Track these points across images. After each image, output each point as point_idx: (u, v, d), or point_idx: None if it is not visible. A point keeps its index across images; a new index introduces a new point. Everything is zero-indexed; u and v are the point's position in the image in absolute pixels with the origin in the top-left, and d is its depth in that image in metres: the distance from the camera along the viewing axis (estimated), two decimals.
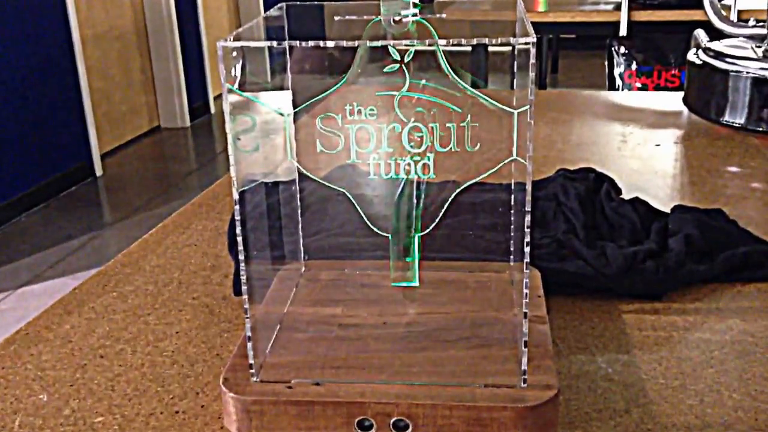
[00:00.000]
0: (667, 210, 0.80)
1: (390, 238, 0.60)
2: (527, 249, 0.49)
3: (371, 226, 0.59)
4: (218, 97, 5.07)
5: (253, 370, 0.51)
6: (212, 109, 5.10)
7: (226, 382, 0.51)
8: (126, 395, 0.55)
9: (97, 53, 4.14)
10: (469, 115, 0.55)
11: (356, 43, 0.52)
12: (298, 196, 0.66)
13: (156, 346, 0.61)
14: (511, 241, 0.64)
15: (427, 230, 0.59)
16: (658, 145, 1.11)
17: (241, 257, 0.51)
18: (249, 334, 0.51)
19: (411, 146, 0.56)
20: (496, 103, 0.54)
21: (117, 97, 4.37)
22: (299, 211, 0.67)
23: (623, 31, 2.40)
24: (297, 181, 0.66)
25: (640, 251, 0.69)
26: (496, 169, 0.56)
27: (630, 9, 2.44)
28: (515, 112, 0.54)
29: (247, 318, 0.50)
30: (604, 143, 1.14)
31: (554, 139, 1.15)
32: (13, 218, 3.43)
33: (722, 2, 1.92)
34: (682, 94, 1.27)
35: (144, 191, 3.75)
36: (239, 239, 0.51)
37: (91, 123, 3.94)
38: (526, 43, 0.47)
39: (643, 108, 1.33)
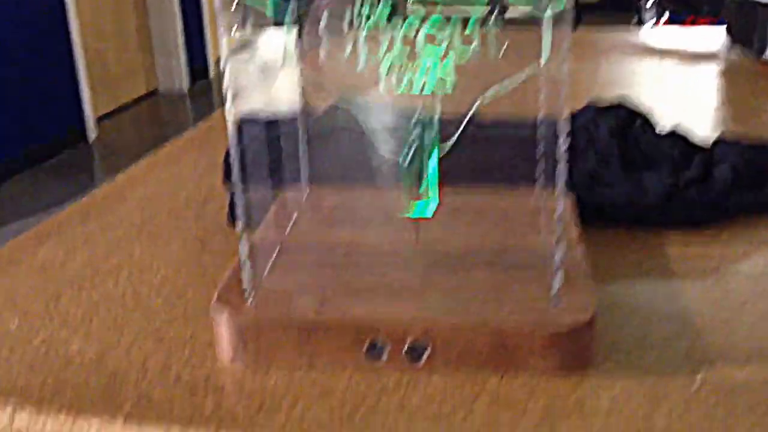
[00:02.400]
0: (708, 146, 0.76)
1: (400, 164, 0.56)
2: (565, 154, 0.45)
3: (381, 152, 0.55)
4: (219, 62, 5.03)
5: (249, 292, 0.47)
6: (212, 73, 5.05)
7: (218, 302, 0.47)
8: (105, 325, 0.52)
9: (90, 10, 4.09)
10: (492, 17, 0.51)
11: None
12: (303, 127, 0.62)
13: (140, 277, 0.58)
14: (538, 167, 0.60)
15: (444, 151, 0.55)
16: (697, 81, 1.06)
17: (235, 168, 0.47)
18: (243, 252, 0.47)
19: (427, 53, 0.52)
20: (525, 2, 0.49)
21: (112, 58, 4.33)
22: (303, 140, 0.63)
23: None
24: (301, 111, 0.62)
25: (681, 179, 0.65)
26: (524, 76, 0.52)
27: None
28: (548, 13, 0.50)
29: (241, 234, 0.47)
30: (637, 81, 1.09)
31: (581, 78, 1.10)
32: (1, 184, 3.40)
33: None
34: (722, 28, 1.22)
35: (139, 158, 3.71)
36: (232, 151, 0.47)
37: (85, 85, 3.90)
38: None
39: (679, 45, 1.28)
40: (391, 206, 0.58)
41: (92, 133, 3.94)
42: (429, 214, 0.56)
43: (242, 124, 0.52)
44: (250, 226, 0.49)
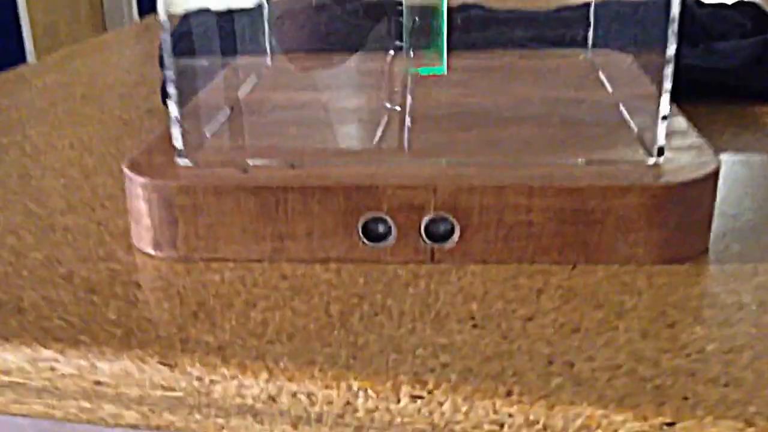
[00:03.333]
0: None
1: (404, 8, 0.40)
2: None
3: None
4: None
5: (181, 149, 0.31)
6: None
7: (135, 164, 0.31)
8: None
9: None
10: None
11: None
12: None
13: (34, 159, 0.41)
14: (591, 25, 0.45)
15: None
16: None
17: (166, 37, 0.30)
18: (171, 85, 0.31)
19: None
20: None
21: (63, 31, 4.10)
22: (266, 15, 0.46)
23: None
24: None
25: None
26: None
27: None
28: None
29: (170, 74, 0.30)
30: None
31: None
32: None
33: None
34: None
35: None
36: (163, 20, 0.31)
37: (33, 59, 3.67)
38: None
39: None
40: (385, 67, 0.43)
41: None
42: (442, 69, 0.40)
43: (189, 17, 0.37)
44: (188, 88, 0.33)
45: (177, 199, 0.29)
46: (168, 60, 0.30)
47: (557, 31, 0.55)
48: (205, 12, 0.47)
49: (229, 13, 0.48)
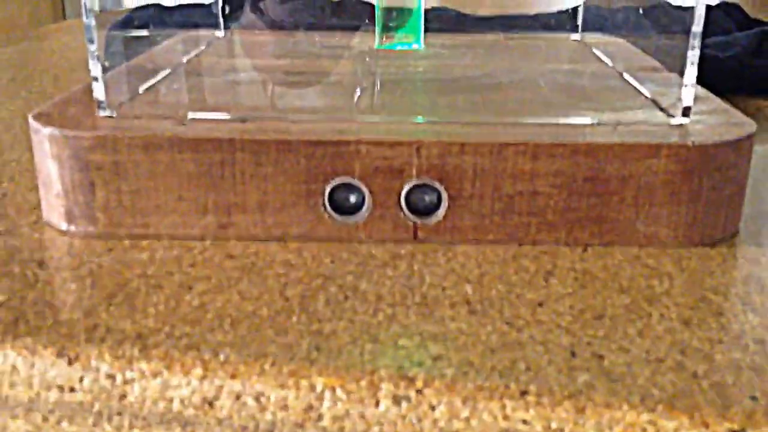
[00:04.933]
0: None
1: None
2: None
3: None
4: None
5: (101, 100, 0.25)
6: None
7: (41, 116, 0.25)
8: None
9: None
10: None
11: None
12: None
13: None
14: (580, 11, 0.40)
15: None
16: None
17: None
18: (92, 42, 0.25)
19: None
20: None
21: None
22: None
23: None
24: None
25: (757, 37, 0.46)
26: None
27: None
28: None
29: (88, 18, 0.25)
30: None
31: None
32: None
33: None
34: None
35: None
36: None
37: None
38: None
39: None
40: (354, 44, 0.38)
41: None
42: (419, 44, 0.35)
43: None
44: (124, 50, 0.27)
45: (94, 156, 0.23)
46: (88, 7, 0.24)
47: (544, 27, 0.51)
48: (155, 6, 0.41)
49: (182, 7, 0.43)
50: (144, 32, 0.33)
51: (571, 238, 0.24)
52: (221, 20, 0.40)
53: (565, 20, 0.41)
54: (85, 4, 0.24)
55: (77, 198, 0.24)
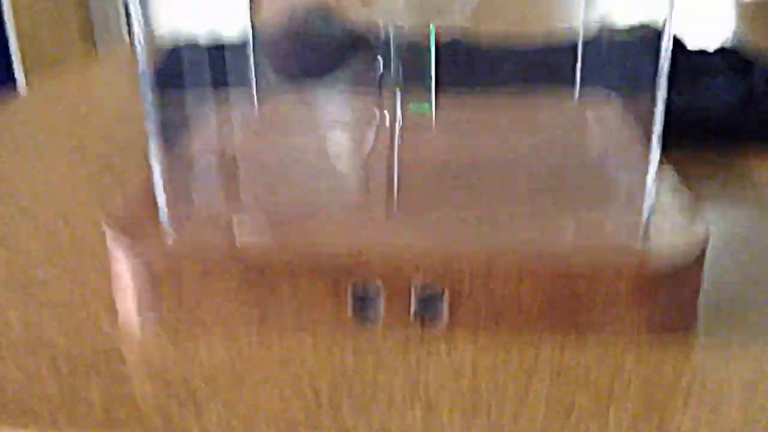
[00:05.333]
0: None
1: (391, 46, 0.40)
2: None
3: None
4: None
5: (166, 212, 0.30)
6: None
7: (117, 225, 0.30)
8: None
9: None
10: None
11: None
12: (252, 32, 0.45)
13: (7, 200, 0.40)
14: (578, 71, 0.45)
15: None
16: None
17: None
18: (156, 159, 0.30)
19: None
20: None
21: (47, 37, 4.04)
22: (250, 47, 0.46)
23: None
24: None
25: (757, 81, 0.50)
26: None
27: None
28: None
29: (153, 122, 0.30)
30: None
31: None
32: None
33: None
34: None
35: None
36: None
37: (18, 66, 3.62)
38: None
39: None
40: (372, 109, 0.42)
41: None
42: (429, 109, 0.40)
43: (176, 49, 0.37)
44: (173, 134, 0.32)
45: (161, 268, 0.29)
46: (150, 112, 0.30)
47: (546, 68, 0.55)
48: (192, 46, 0.46)
49: (216, 48, 0.48)
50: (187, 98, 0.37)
51: (552, 331, 0.29)
52: (254, 82, 0.45)
53: (568, 58, 0.45)
54: (150, 132, 0.30)
55: (146, 298, 0.29)
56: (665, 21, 0.31)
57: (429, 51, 0.41)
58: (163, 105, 0.30)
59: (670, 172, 0.35)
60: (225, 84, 0.44)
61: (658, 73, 0.31)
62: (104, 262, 0.34)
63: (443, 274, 0.28)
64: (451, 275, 0.28)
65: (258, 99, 0.44)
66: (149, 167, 0.30)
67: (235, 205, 0.33)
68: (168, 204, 0.30)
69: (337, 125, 0.41)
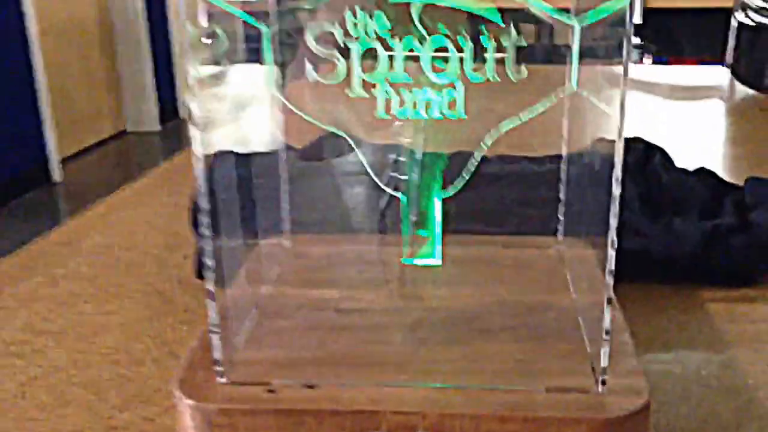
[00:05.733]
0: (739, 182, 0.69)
1: (401, 200, 0.47)
2: (615, 206, 0.37)
3: (379, 183, 0.47)
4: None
5: (219, 368, 0.38)
6: (182, 113, 4.97)
7: (182, 384, 0.38)
8: (41, 405, 0.42)
9: (55, 47, 4.01)
10: (513, 30, 0.43)
11: None
12: (283, 166, 0.54)
13: (89, 342, 0.48)
14: (560, 215, 0.52)
15: (452, 190, 0.47)
16: (701, 119, 1.00)
17: (204, 214, 0.38)
18: (213, 317, 0.38)
19: (434, 75, 0.44)
20: (551, 10, 0.42)
21: (78, 97, 4.23)
22: (285, 180, 0.54)
23: (637, 18, 2.30)
24: (282, 150, 0.54)
25: (720, 225, 0.57)
26: (548, 101, 0.44)
27: None
28: (577, 25, 0.43)
29: (210, 291, 0.38)
30: (639, 118, 1.02)
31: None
32: None
33: None
34: (720, 67, 1.17)
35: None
36: (200, 188, 0.39)
37: (49, 125, 3.79)
38: None
39: (678, 82, 1.22)
40: (389, 257, 0.50)
41: (57, 174, 3.82)
42: (436, 258, 0.47)
43: (213, 159, 0.44)
44: (220, 283, 0.40)
45: (217, 419, 0.36)
46: (208, 280, 0.37)
47: (538, 191, 0.62)
48: (227, 156, 0.55)
49: (251, 158, 0.56)
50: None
51: None
52: (285, 219, 0.54)
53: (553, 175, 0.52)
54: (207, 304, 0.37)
55: None
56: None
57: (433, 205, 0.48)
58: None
59: (620, 320, 0.42)
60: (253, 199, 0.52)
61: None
62: (169, 403, 0.41)
63: (440, 428, 0.35)
64: (446, 428, 0.35)
65: (291, 241, 0.52)
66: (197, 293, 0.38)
67: (274, 361, 0.41)
68: (219, 356, 0.38)
69: (362, 278, 0.49)
